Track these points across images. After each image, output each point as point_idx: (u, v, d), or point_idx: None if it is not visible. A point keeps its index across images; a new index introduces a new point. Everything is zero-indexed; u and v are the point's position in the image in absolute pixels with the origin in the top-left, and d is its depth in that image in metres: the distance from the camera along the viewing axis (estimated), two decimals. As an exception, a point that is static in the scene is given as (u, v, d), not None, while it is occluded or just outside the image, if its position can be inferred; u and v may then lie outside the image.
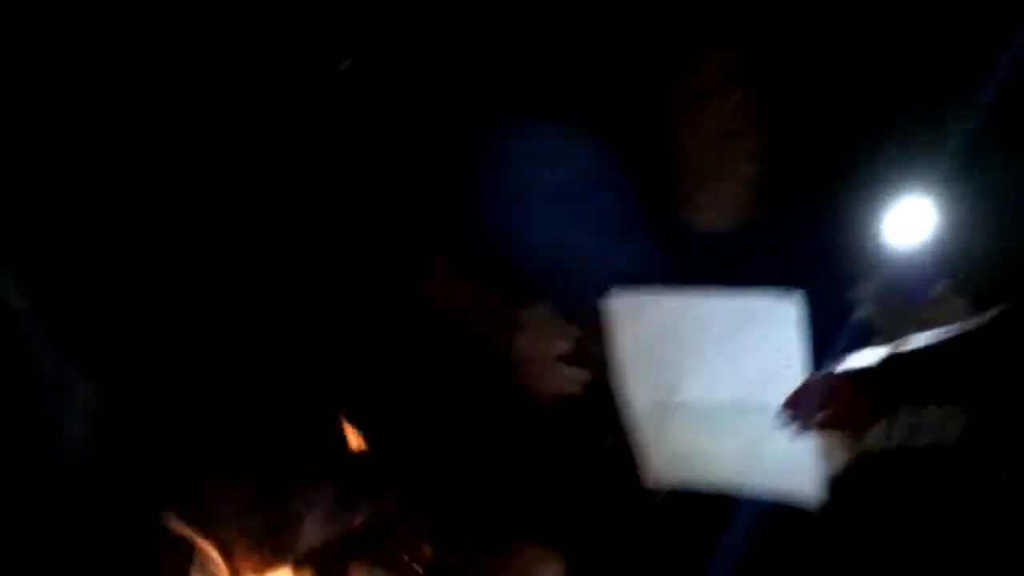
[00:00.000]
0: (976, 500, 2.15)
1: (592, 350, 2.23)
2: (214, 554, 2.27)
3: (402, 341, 2.57)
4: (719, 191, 2.40)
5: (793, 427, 2.06)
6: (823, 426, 2.05)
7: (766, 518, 2.16)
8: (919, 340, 2.01)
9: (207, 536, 2.29)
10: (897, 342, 2.02)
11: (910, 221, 2.25)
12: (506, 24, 2.66)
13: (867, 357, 2.03)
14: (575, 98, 2.58)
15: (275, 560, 2.31)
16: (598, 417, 2.30)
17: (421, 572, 2.33)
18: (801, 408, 2.05)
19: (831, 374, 2.03)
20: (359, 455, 2.50)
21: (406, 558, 2.37)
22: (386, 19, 2.71)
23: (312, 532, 2.36)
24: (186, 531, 2.27)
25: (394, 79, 2.71)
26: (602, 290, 2.19)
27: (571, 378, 2.30)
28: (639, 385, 2.18)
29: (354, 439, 2.53)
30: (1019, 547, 2.10)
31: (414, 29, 2.70)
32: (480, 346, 2.41)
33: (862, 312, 2.26)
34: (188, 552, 2.25)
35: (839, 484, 2.15)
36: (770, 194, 2.41)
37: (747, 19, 2.39)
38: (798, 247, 2.36)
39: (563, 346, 2.30)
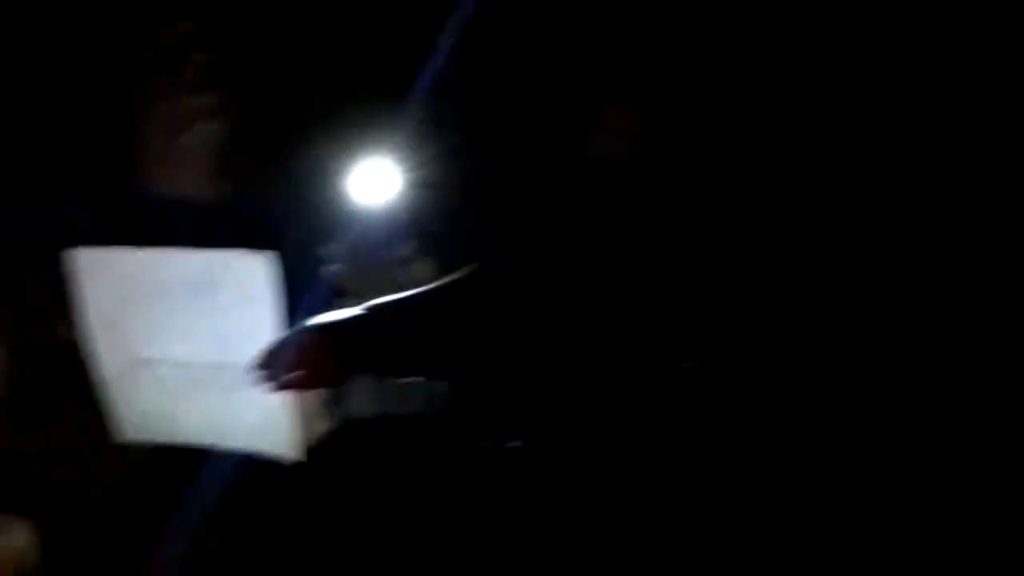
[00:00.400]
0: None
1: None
2: None
3: None
4: (179, 156, 2.38)
5: (266, 385, 2.07)
6: (296, 385, 2.08)
7: (236, 477, 2.18)
8: (389, 299, 2.08)
9: None
10: (366, 304, 2.08)
11: (375, 183, 2.32)
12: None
13: (338, 315, 2.08)
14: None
15: None
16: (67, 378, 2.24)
17: None
18: (273, 366, 2.07)
19: (303, 331, 2.06)
20: None
21: None
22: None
23: None
24: None
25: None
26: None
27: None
28: (108, 344, 2.13)
29: None
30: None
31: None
32: None
33: (330, 272, 2.32)
34: None
35: (322, 449, 2.18)
36: (235, 160, 2.41)
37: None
38: (267, 210, 2.38)
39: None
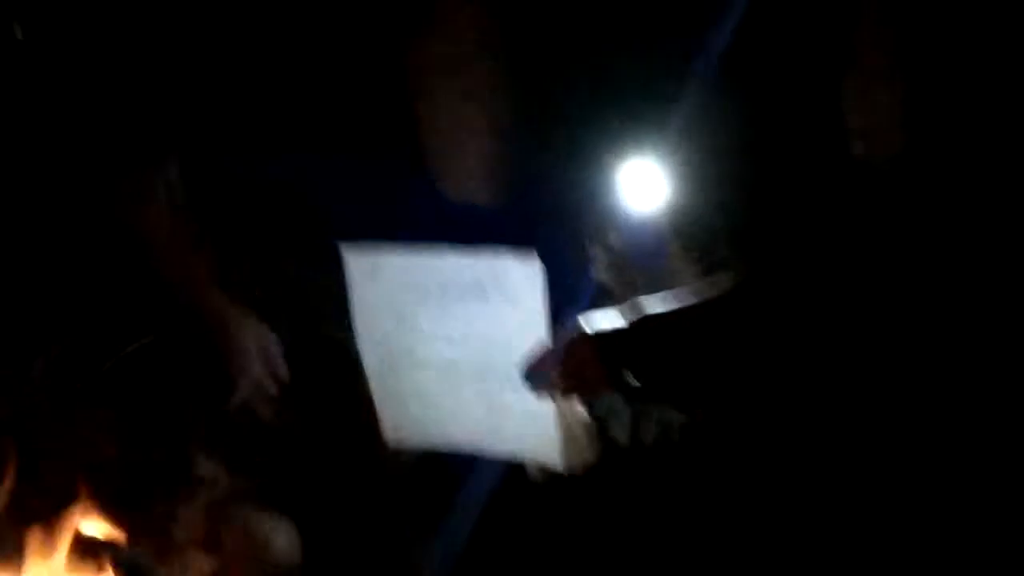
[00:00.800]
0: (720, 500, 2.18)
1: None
2: None
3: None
4: (462, 157, 2.36)
5: (533, 389, 2.04)
6: (562, 390, 2.04)
7: (503, 480, 2.16)
8: (657, 303, 2.03)
9: None
10: (633, 304, 2.03)
11: (640, 184, 2.28)
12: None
13: (606, 319, 2.03)
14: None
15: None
16: (341, 377, 2.25)
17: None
18: (541, 370, 2.04)
19: (571, 336, 2.03)
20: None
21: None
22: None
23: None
24: None
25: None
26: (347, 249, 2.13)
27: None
28: (378, 345, 2.14)
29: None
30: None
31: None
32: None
33: (595, 273, 2.28)
34: None
35: (586, 475, 2.15)
36: (510, 159, 2.39)
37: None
38: (534, 210, 2.35)
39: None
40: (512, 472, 2.16)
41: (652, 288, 2.24)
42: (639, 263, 2.28)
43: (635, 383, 2.04)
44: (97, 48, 2.55)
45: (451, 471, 2.19)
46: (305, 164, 2.37)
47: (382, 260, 2.11)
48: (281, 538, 2.30)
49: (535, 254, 2.00)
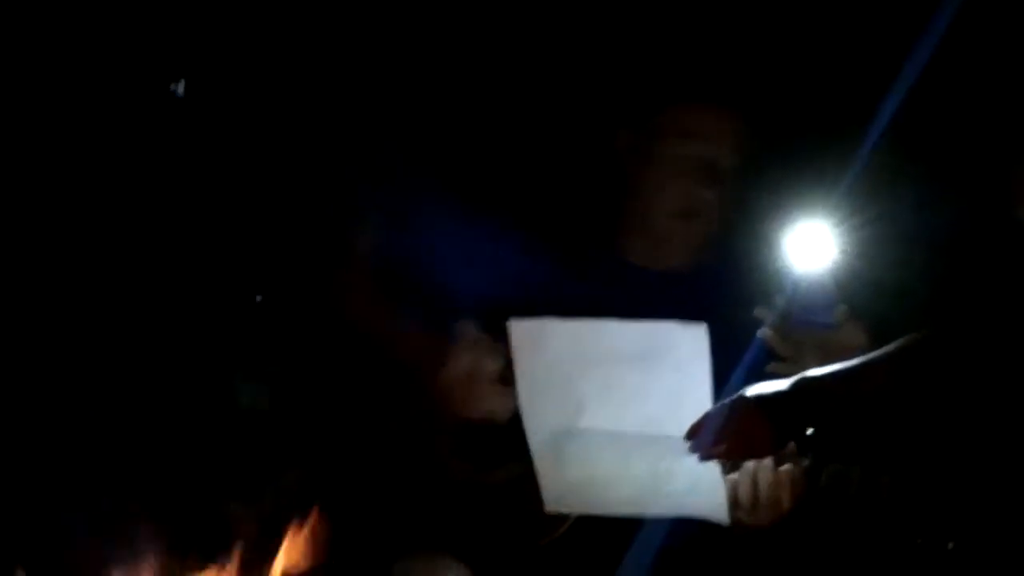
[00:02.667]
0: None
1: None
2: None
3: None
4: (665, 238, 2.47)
5: (698, 454, 2.05)
6: (728, 454, 2.05)
7: (669, 545, 2.17)
8: (825, 368, 2.02)
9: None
10: (803, 372, 2.03)
11: (809, 247, 2.27)
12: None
13: (773, 385, 2.03)
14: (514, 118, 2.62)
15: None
16: (505, 442, 2.29)
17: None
18: (706, 435, 2.05)
19: (738, 400, 2.03)
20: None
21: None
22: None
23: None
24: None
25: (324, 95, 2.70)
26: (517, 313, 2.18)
27: (502, 399, 2.31)
28: (540, 413, 2.16)
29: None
30: None
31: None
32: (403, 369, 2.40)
33: (762, 336, 2.28)
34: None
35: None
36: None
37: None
38: (706, 274, 2.39)
39: (494, 367, 2.32)
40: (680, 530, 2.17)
41: (819, 351, 2.26)
42: (806, 326, 2.27)
43: (800, 444, 2.05)
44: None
45: (615, 533, 2.20)
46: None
47: (546, 330, 2.14)
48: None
49: (698, 321, 2.02)
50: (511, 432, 2.27)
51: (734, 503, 2.09)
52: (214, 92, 2.67)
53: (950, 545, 1.92)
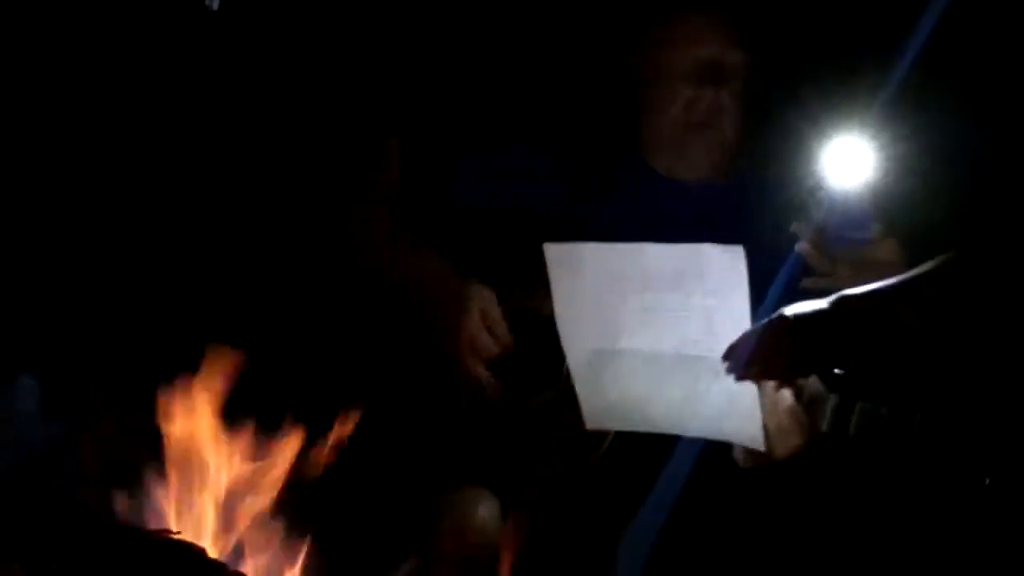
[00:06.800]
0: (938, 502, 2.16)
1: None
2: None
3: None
4: (700, 148, 2.51)
5: (736, 374, 2.05)
6: (762, 375, 2.05)
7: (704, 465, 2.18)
8: (863, 287, 2.02)
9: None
10: (838, 293, 2.03)
11: (844, 163, 2.26)
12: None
13: (807, 305, 2.03)
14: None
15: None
16: (542, 365, 2.31)
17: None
18: (741, 355, 2.05)
19: (776, 319, 2.03)
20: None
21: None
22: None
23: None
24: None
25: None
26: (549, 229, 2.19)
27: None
28: (578, 334, 2.16)
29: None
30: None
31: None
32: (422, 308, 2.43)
33: (800, 251, 2.28)
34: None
35: (791, 469, 2.16)
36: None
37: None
38: (743, 189, 2.38)
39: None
40: (710, 459, 2.18)
41: (854, 266, 2.26)
42: (841, 242, 2.27)
43: (837, 368, 2.05)
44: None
45: (648, 458, 2.22)
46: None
47: (583, 254, 2.13)
48: (485, 510, 2.38)
49: (738, 245, 2.01)
50: (543, 360, 2.29)
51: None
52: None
53: (987, 481, 1.91)
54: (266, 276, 2.79)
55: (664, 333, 2.09)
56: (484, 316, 2.42)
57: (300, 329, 2.74)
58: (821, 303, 2.02)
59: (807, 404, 2.06)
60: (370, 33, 2.79)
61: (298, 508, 2.24)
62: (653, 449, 2.20)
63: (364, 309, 2.67)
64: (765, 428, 2.07)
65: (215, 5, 2.64)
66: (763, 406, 2.06)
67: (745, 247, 2.02)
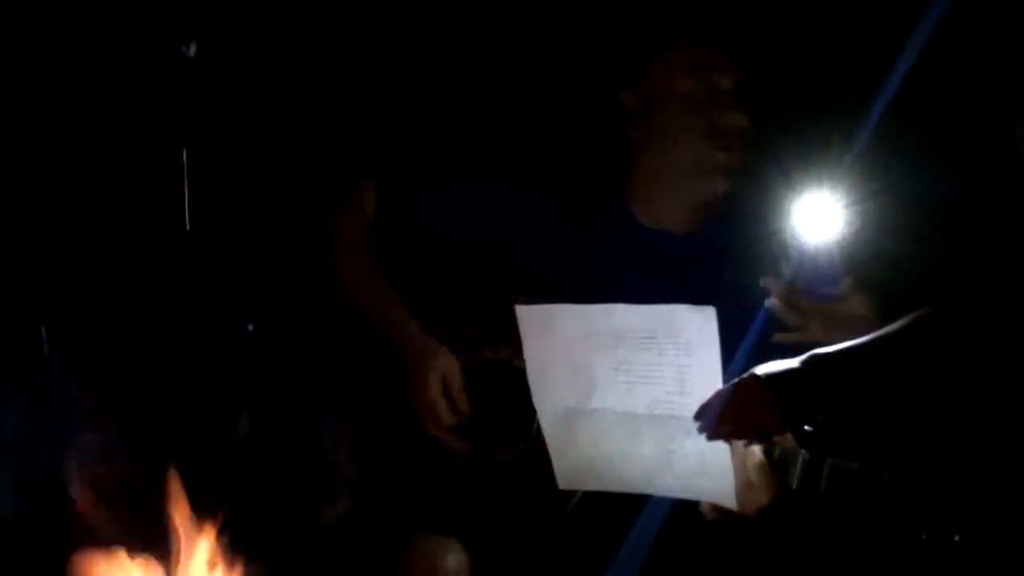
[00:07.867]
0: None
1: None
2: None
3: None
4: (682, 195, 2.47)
5: (707, 433, 2.05)
6: (735, 435, 2.05)
7: (674, 522, 2.18)
8: (834, 346, 2.03)
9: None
10: (811, 352, 2.03)
11: (815, 218, 2.26)
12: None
13: (780, 364, 2.04)
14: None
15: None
16: (512, 424, 2.31)
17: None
18: (714, 415, 2.05)
19: (747, 378, 2.04)
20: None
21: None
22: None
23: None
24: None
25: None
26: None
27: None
28: (553, 394, 2.17)
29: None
30: None
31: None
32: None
33: (770, 306, 2.28)
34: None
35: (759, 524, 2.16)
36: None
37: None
38: (716, 243, 2.39)
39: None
40: (680, 513, 2.18)
41: (825, 321, 2.26)
42: (812, 296, 2.27)
43: (807, 425, 2.05)
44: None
45: (619, 512, 2.22)
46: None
47: (554, 315, 2.14)
48: (453, 560, 2.37)
49: (710, 305, 2.01)
50: (513, 413, 2.29)
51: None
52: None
53: (956, 538, 1.92)
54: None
55: (636, 393, 2.10)
56: (446, 384, 2.40)
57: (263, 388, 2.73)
58: (792, 362, 2.04)
59: (777, 460, 2.07)
60: (353, 70, 2.79)
61: (267, 557, 2.24)
62: (624, 503, 2.19)
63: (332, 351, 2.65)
64: (736, 487, 2.08)
65: (192, 52, 2.63)
66: (733, 463, 2.07)
67: (716, 300, 2.03)
